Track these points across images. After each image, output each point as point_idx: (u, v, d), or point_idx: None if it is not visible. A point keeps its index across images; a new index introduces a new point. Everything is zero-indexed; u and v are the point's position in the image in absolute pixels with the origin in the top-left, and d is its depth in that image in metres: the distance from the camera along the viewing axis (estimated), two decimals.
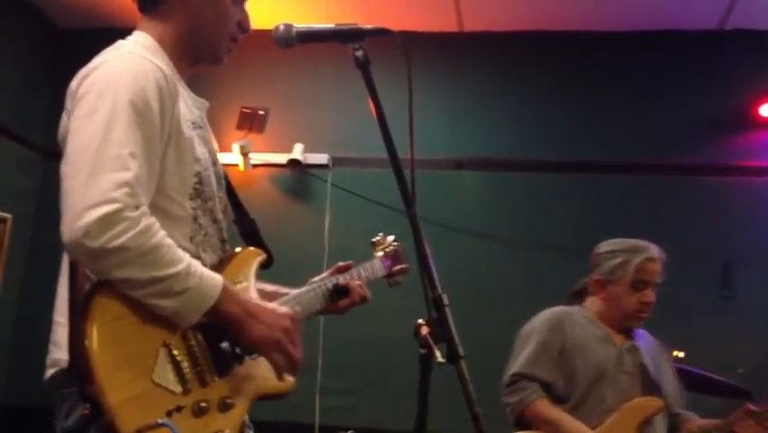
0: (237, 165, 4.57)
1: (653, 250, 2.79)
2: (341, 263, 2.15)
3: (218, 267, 1.76)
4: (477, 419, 1.61)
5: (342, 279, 2.09)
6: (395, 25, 1.76)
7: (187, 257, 1.56)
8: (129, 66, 1.62)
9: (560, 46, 4.71)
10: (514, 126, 4.68)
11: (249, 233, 1.97)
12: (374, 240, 2.33)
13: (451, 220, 4.54)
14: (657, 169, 4.49)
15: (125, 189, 1.47)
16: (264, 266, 1.91)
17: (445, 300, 1.70)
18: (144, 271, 1.48)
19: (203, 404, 1.58)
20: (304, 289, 2.00)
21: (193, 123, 1.76)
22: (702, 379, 3.38)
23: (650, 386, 2.73)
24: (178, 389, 1.55)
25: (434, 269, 1.73)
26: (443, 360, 1.67)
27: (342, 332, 4.12)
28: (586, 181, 4.55)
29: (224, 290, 1.59)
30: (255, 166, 4.67)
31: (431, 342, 1.66)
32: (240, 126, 4.64)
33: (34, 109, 4.80)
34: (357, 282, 2.09)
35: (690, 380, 3.30)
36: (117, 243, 1.45)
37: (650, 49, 4.64)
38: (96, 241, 1.44)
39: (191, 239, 1.71)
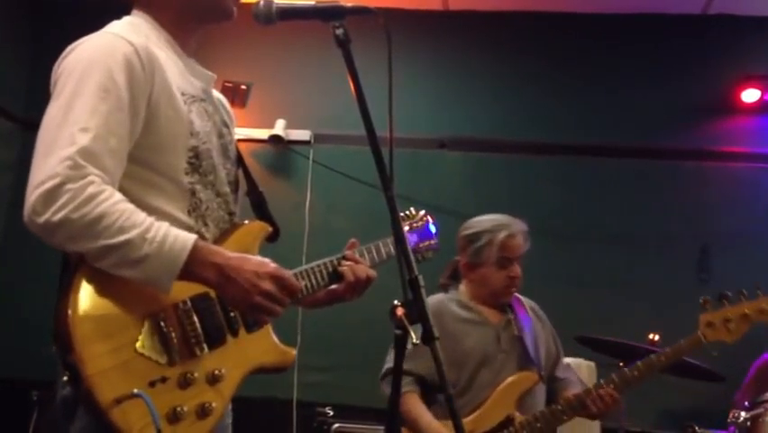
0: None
1: (514, 225, 2.86)
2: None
3: (220, 239, 1.75)
4: (450, 400, 1.64)
5: (344, 256, 1.98)
6: (378, 3, 1.75)
7: (146, 223, 1.52)
8: (97, 45, 1.62)
9: (545, 28, 4.70)
10: (497, 107, 4.69)
11: (258, 205, 1.94)
12: (405, 213, 2.23)
13: (433, 200, 4.50)
14: (638, 152, 4.52)
15: (67, 163, 1.47)
16: (270, 239, 1.88)
17: (421, 282, 1.69)
18: (94, 241, 1.48)
19: (189, 376, 1.57)
20: (302, 268, 1.93)
21: (192, 96, 1.74)
22: (680, 363, 3.41)
23: (526, 359, 2.81)
24: (164, 359, 1.55)
25: (411, 250, 1.72)
26: (418, 341, 1.68)
27: (322, 309, 4.12)
28: (567, 164, 4.57)
29: (194, 252, 1.55)
30: (237, 140, 4.63)
31: (406, 323, 1.67)
32: None
33: (15, 80, 4.73)
34: (360, 264, 1.97)
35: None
36: (59, 216, 1.45)
37: (634, 32, 4.65)
38: (41, 217, 1.46)
39: (189, 213, 1.69)
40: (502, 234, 2.84)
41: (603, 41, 4.66)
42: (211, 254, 1.58)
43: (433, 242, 2.26)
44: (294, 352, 1.83)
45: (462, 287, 2.96)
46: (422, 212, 2.27)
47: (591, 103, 4.60)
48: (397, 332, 1.67)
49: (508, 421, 2.70)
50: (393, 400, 1.69)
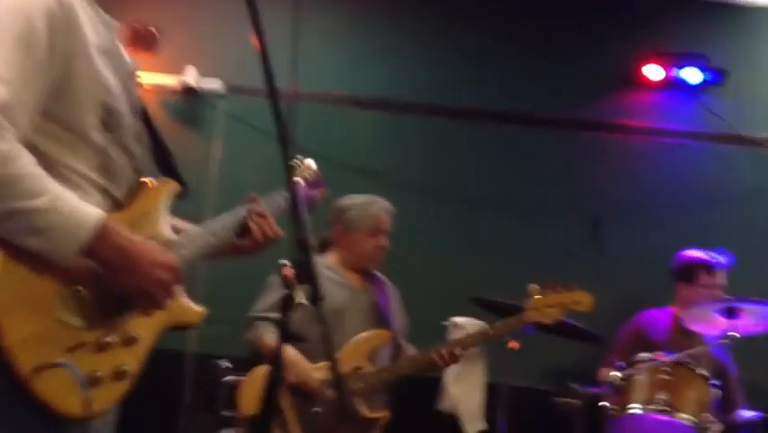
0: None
1: (385, 203, 3.26)
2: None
3: (129, 199, 1.71)
4: (334, 365, 1.77)
5: (250, 211, 1.97)
6: None
7: (56, 191, 1.48)
8: None
9: None
10: (414, 69, 4.71)
11: (164, 162, 1.87)
12: (291, 164, 2.25)
13: (346, 158, 4.56)
14: (541, 121, 4.64)
15: None
16: (179, 197, 1.84)
17: (312, 243, 1.74)
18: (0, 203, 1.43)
19: (106, 339, 1.56)
20: (208, 224, 1.92)
21: (102, 48, 1.66)
22: (562, 325, 3.60)
23: (380, 321, 3.16)
24: (81, 325, 1.53)
25: (304, 210, 1.75)
26: (305, 301, 1.74)
27: (223, 261, 4.13)
28: (475, 129, 4.66)
29: (100, 229, 1.51)
30: (144, 88, 4.52)
31: (294, 283, 1.72)
32: (129, 44, 4.46)
33: None
34: (265, 219, 1.97)
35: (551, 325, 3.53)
36: None
37: (546, 4, 4.73)
38: None
39: (99, 172, 1.64)
40: (376, 207, 3.23)
41: (517, 12, 4.72)
42: (115, 235, 1.55)
43: (321, 191, 2.31)
44: (203, 310, 1.84)
45: (330, 254, 3.26)
46: (309, 161, 2.29)
47: (501, 71, 4.68)
48: (285, 291, 1.73)
49: (358, 370, 3.00)
50: (276, 356, 1.75)
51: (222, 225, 1.92)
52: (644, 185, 4.62)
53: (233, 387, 3.57)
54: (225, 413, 3.54)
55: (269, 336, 3.02)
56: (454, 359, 3.08)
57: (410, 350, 3.28)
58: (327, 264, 3.22)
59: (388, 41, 4.74)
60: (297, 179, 2.19)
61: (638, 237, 4.52)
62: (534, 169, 4.61)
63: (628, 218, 4.53)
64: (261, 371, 2.98)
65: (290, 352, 2.94)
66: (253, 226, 1.95)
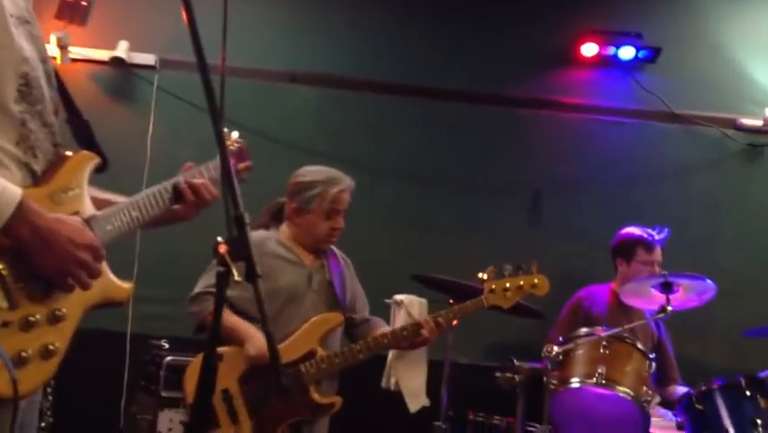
0: (54, 58, 4.26)
1: (346, 181, 3.08)
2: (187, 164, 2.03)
3: (49, 173, 1.67)
4: (270, 337, 1.72)
5: (182, 179, 1.96)
6: None
7: None
8: None
9: None
10: (353, 44, 4.66)
11: (82, 135, 1.84)
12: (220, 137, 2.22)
13: (283, 134, 4.50)
14: (481, 98, 4.65)
15: None
16: (98, 170, 1.80)
17: (247, 219, 1.69)
18: None
19: (31, 318, 1.55)
20: (138, 196, 1.88)
21: (19, 18, 1.62)
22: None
23: (334, 301, 3.06)
24: (5, 304, 1.51)
25: (237, 186, 1.70)
26: (241, 279, 1.68)
27: (160, 239, 4.03)
28: (415, 105, 4.64)
29: (19, 209, 1.49)
30: (74, 61, 4.38)
31: (229, 260, 1.67)
32: (59, 16, 4.29)
33: None
34: (200, 181, 1.97)
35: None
36: None
37: None
38: None
39: (18, 144, 1.60)
40: (336, 188, 3.05)
41: None
42: (33, 214, 1.53)
43: (249, 164, 2.27)
44: (130, 286, 1.79)
45: (284, 228, 3.11)
46: (235, 134, 2.27)
47: (441, 48, 4.66)
48: (220, 269, 1.68)
49: (311, 354, 2.90)
50: (212, 335, 1.69)
51: (149, 195, 1.88)
52: (582, 161, 4.67)
53: (173, 367, 3.52)
54: (165, 394, 3.49)
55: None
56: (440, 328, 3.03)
57: (378, 324, 3.18)
58: (281, 241, 3.08)
59: (328, 16, 4.66)
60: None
61: (577, 213, 4.57)
62: (474, 145, 4.61)
63: (567, 194, 4.58)
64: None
65: (242, 324, 2.87)
66: (186, 191, 1.94)
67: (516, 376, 3.40)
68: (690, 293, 3.42)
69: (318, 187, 3.03)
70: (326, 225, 3.05)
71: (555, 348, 3.22)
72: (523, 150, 4.68)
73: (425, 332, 2.98)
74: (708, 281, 3.38)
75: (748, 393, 3.19)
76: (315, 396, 2.90)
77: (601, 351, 3.22)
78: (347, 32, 4.67)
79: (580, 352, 3.27)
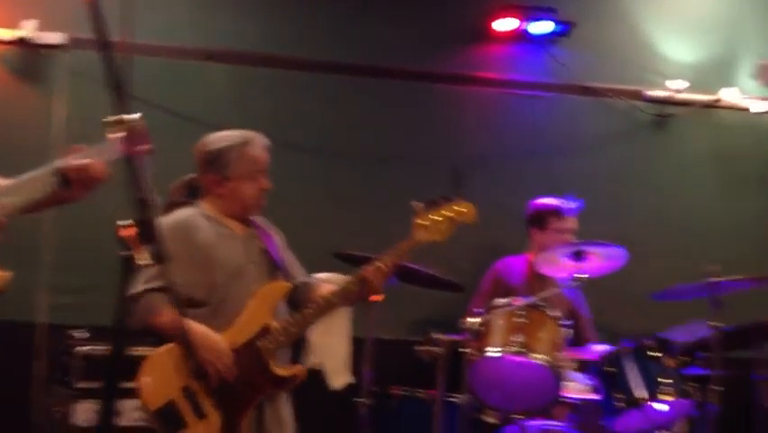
0: None
1: (261, 139, 2.92)
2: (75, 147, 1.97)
3: None
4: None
5: (68, 161, 1.91)
6: None
7: None
8: None
9: None
10: (267, 20, 4.60)
11: None
12: (107, 120, 2.03)
13: (197, 113, 4.40)
14: (398, 74, 4.65)
15: None
16: None
17: (156, 201, 1.68)
18: None
19: None
20: (23, 177, 1.84)
21: None
22: (422, 274, 3.67)
23: (274, 269, 2.92)
24: None
25: (146, 168, 1.69)
26: (147, 262, 1.67)
27: (72, 227, 3.94)
28: (331, 82, 4.62)
29: None
30: None
31: (136, 244, 1.65)
32: None
33: None
34: (87, 161, 1.91)
35: (410, 275, 3.60)
36: None
37: None
38: None
39: None
40: (251, 148, 2.87)
41: None
42: None
43: (148, 147, 2.21)
44: (7, 275, 1.75)
45: (204, 204, 2.93)
46: (135, 115, 2.19)
47: (357, 24, 4.64)
48: (124, 253, 1.66)
49: (266, 330, 2.78)
50: (120, 314, 1.68)
51: (31, 180, 1.84)
52: (499, 135, 4.75)
53: (89, 358, 3.44)
54: (80, 385, 3.41)
55: (163, 309, 2.72)
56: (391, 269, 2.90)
57: (317, 285, 3.05)
58: (207, 214, 2.88)
59: None
60: (113, 135, 1.99)
61: (495, 187, 4.64)
62: (392, 121, 4.63)
63: (485, 168, 4.63)
64: (163, 351, 2.74)
65: (195, 326, 2.68)
66: (71, 174, 1.89)
67: (436, 349, 3.48)
68: (601, 260, 3.53)
69: (234, 150, 2.84)
70: (252, 188, 2.87)
71: (473, 319, 3.30)
72: (441, 125, 4.72)
73: (370, 279, 2.86)
74: (619, 249, 3.50)
75: (654, 354, 3.34)
76: (278, 370, 2.78)
77: (518, 320, 3.30)
78: (263, 8, 4.60)
79: (497, 322, 3.34)
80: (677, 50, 4.89)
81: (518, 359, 3.24)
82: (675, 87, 4.77)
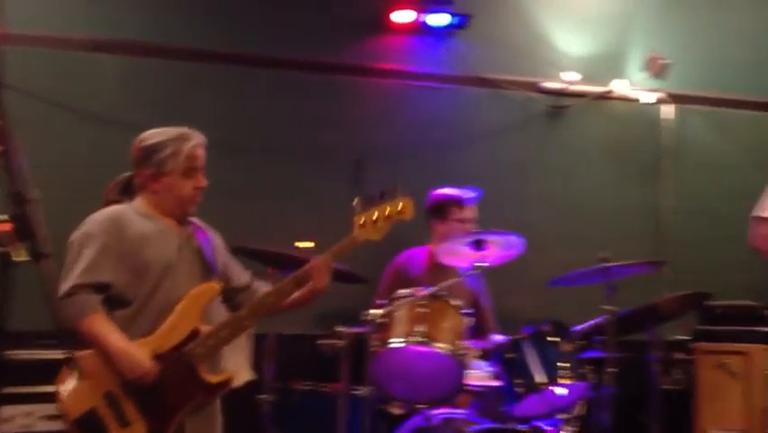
0: None
1: (198, 136, 2.87)
2: None
3: None
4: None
5: None
6: None
7: None
8: None
9: None
10: (158, 10, 4.46)
11: None
12: None
13: (87, 106, 4.27)
14: (298, 65, 4.60)
15: None
16: None
17: (36, 196, 1.58)
18: None
19: None
20: None
21: None
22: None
23: (208, 270, 2.84)
24: None
25: (23, 162, 1.59)
26: (25, 258, 1.58)
27: None
28: (228, 73, 4.53)
29: None
30: None
31: (9, 240, 1.56)
32: None
33: None
34: None
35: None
36: None
37: None
38: None
39: None
40: (189, 144, 2.80)
41: None
42: None
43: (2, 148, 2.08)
44: None
45: (140, 200, 2.82)
46: None
47: (254, 14, 4.56)
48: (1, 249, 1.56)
49: (194, 334, 2.68)
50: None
51: None
52: (399, 127, 4.77)
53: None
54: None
55: (90, 311, 2.60)
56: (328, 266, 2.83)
57: (260, 288, 2.97)
58: (140, 211, 2.78)
59: None
60: None
61: (397, 179, 4.63)
62: (292, 113, 4.57)
63: (388, 160, 4.64)
64: (85, 354, 2.62)
65: (113, 337, 2.58)
66: None
67: (339, 342, 3.45)
68: (501, 249, 3.58)
69: (170, 146, 2.76)
70: (188, 185, 2.78)
71: (376, 311, 3.29)
72: (342, 117, 4.69)
73: (308, 276, 2.80)
74: (517, 237, 3.56)
75: (552, 339, 3.42)
76: (208, 377, 2.66)
77: (420, 310, 3.31)
78: None
79: (399, 312, 3.34)
80: (570, 43, 5.02)
81: (421, 349, 3.25)
82: (569, 79, 4.90)
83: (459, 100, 4.86)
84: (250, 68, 4.55)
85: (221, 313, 2.85)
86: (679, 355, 4.54)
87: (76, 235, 2.71)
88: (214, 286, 2.80)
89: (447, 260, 3.77)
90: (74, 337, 2.62)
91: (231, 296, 2.94)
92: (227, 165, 4.41)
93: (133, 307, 2.68)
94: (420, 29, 4.74)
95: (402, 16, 4.70)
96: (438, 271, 3.94)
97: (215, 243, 2.95)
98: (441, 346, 3.25)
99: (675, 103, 5.06)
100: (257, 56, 4.55)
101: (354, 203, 2.90)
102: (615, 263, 3.66)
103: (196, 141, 2.84)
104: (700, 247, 4.98)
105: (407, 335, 3.27)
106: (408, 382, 3.33)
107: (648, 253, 4.70)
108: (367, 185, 4.64)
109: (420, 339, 3.25)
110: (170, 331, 2.67)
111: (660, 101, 5.02)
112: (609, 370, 3.61)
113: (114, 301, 2.66)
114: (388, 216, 2.89)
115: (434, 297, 3.36)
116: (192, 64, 4.47)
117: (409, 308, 3.33)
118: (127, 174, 2.89)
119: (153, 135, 2.81)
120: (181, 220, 2.86)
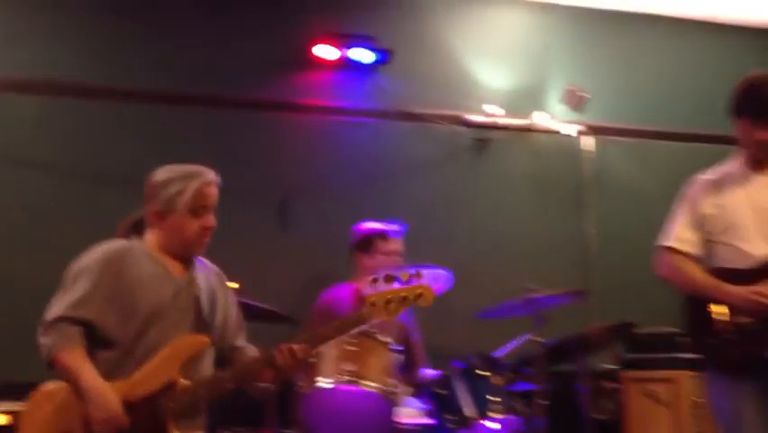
0: None
1: (209, 174, 2.76)
2: None
3: None
4: None
5: None
6: None
7: None
8: None
9: None
10: (71, 49, 4.39)
11: None
12: None
13: (1, 147, 4.12)
14: (218, 102, 4.55)
15: None
16: None
17: None
18: None
19: None
20: None
21: None
22: (251, 307, 3.54)
23: (201, 322, 2.71)
24: None
25: None
26: None
27: None
28: (145, 112, 4.45)
29: None
30: None
31: None
32: None
33: None
34: None
35: (242, 309, 3.45)
36: None
37: None
38: None
39: None
40: (198, 182, 2.68)
41: None
42: None
43: None
44: None
45: (148, 237, 2.71)
46: None
47: (176, 51, 4.52)
48: None
49: (170, 386, 2.52)
50: None
51: None
52: (324, 163, 4.73)
53: None
54: None
55: (68, 346, 2.50)
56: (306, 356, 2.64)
57: (250, 352, 2.81)
58: (146, 251, 2.67)
59: (43, 21, 4.35)
60: None
61: (322, 215, 4.61)
62: (214, 151, 4.43)
63: (312, 197, 4.60)
64: (52, 389, 2.51)
65: (90, 377, 2.46)
66: None
67: (265, 384, 3.34)
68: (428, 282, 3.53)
69: (177, 183, 2.65)
70: (195, 225, 2.66)
71: None
72: (266, 154, 4.64)
73: (278, 361, 2.62)
74: (445, 271, 3.52)
75: (481, 372, 3.39)
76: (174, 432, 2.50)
77: (348, 348, 3.24)
78: (66, 36, 4.38)
79: (328, 352, 3.26)
80: (492, 76, 5.09)
81: (349, 388, 3.18)
82: (492, 112, 4.95)
83: (384, 135, 4.85)
84: (171, 106, 4.48)
85: (208, 367, 2.70)
86: (608, 385, 4.56)
87: (74, 265, 2.62)
88: (202, 339, 2.64)
89: None
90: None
91: (221, 355, 2.79)
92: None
93: (119, 349, 2.56)
94: (343, 64, 4.74)
95: (325, 51, 4.69)
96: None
97: (218, 292, 2.81)
98: (370, 385, 3.19)
99: (595, 134, 5.15)
100: (178, 94, 4.48)
101: (369, 279, 2.72)
102: (540, 294, 3.67)
103: (205, 179, 2.72)
104: (626, 275, 5.05)
105: (336, 374, 3.20)
106: (338, 424, 3.24)
107: (576, 282, 4.74)
108: (293, 225, 4.58)
109: (349, 378, 3.18)
110: (146, 378, 2.53)
111: (580, 133, 5.11)
112: (540, 402, 3.59)
113: (99, 342, 2.54)
114: (404, 299, 2.69)
115: (362, 334, 3.28)
116: (106, 103, 4.38)
117: (338, 345, 3.25)
118: (137, 214, 2.78)
119: (164, 172, 2.71)
120: (186, 261, 2.73)
